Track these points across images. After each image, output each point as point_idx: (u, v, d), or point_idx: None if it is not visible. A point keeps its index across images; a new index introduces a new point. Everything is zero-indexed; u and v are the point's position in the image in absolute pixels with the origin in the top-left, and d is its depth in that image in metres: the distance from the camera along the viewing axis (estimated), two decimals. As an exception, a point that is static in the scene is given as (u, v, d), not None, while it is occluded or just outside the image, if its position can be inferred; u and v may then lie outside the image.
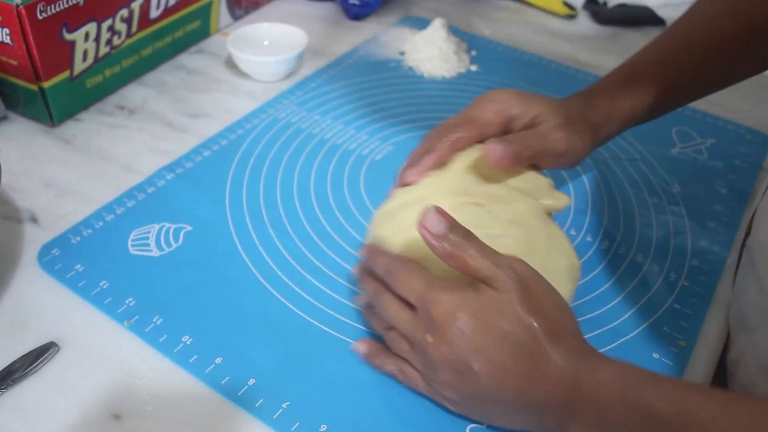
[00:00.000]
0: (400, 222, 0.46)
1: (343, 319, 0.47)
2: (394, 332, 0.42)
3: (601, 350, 0.45)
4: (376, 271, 0.43)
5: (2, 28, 0.58)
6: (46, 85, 0.61)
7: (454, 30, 0.81)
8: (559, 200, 0.48)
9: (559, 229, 0.47)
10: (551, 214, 0.48)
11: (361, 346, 0.44)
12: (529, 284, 0.38)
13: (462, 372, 0.37)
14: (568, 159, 0.49)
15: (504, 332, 0.37)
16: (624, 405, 0.34)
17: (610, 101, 0.52)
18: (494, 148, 0.45)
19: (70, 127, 0.64)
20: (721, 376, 0.50)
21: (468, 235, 0.39)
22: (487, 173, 0.48)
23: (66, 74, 0.63)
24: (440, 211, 0.39)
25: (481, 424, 0.41)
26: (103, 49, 0.65)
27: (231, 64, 0.74)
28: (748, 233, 0.50)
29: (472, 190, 0.46)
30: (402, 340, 0.41)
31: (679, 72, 0.53)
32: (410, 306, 0.40)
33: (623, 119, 0.53)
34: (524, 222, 0.45)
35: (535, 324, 0.36)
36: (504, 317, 0.37)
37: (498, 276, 0.37)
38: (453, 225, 0.39)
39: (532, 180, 0.49)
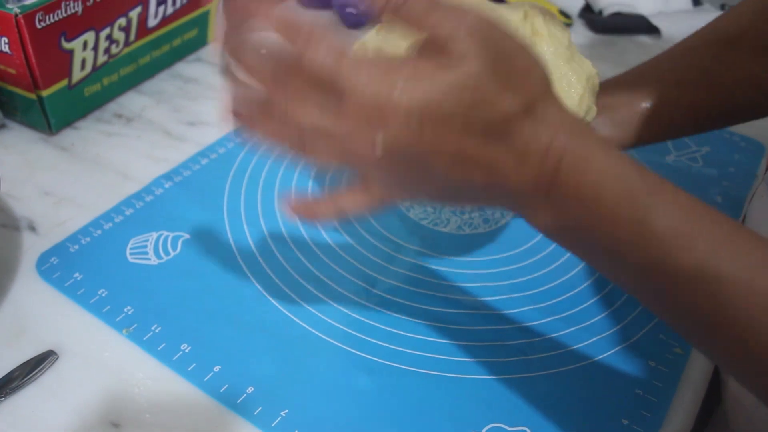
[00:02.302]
0: None
1: (342, 327, 0.47)
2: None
3: (597, 358, 0.46)
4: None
5: (1, 37, 0.58)
6: (45, 93, 0.61)
7: (450, 38, 0.81)
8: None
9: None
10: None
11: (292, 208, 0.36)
12: (497, 44, 0.29)
13: (415, 173, 0.30)
14: None
15: (471, 119, 0.28)
16: (612, 213, 0.29)
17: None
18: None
19: (68, 136, 0.65)
20: (716, 383, 0.51)
21: None
22: None
23: (64, 83, 0.63)
24: None
25: (477, 429, 0.41)
26: (101, 58, 0.66)
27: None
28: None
29: None
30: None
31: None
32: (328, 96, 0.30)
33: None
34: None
35: (511, 102, 0.29)
36: (475, 104, 0.28)
37: (459, 37, 0.28)
38: None
39: None
